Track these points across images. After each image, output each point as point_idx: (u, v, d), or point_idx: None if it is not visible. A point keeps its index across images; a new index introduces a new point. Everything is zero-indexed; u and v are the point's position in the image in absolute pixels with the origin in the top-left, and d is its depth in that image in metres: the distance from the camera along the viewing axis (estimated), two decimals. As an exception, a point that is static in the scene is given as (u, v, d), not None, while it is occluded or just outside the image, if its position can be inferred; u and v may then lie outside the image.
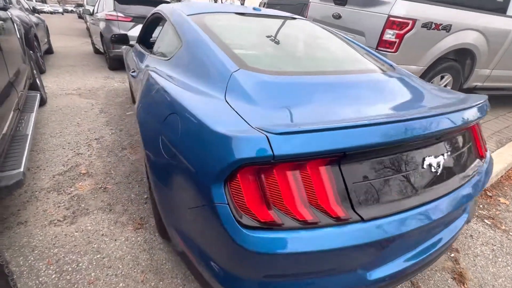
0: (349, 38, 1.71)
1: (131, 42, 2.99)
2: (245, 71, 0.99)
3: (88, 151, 2.30)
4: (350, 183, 0.71)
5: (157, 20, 2.19)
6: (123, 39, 2.42)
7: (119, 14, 4.74)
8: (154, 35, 2.62)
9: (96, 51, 6.82)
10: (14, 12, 3.99)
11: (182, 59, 1.22)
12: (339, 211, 0.69)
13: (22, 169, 1.38)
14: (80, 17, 20.95)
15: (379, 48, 2.55)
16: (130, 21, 4.81)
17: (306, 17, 3.78)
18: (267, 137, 0.64)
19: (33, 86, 2.86)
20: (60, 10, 29.26)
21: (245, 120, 0.75)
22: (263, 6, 6.02)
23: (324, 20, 3.28)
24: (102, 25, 5.01)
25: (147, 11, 5.00)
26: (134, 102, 3.46)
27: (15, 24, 2.54)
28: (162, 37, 1.69)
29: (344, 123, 0.68)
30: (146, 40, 2.55)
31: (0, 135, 1.45)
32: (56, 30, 11.40)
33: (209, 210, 0.70)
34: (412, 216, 0.77)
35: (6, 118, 1.65)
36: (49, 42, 6.24)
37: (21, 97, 2.00)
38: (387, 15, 2.42)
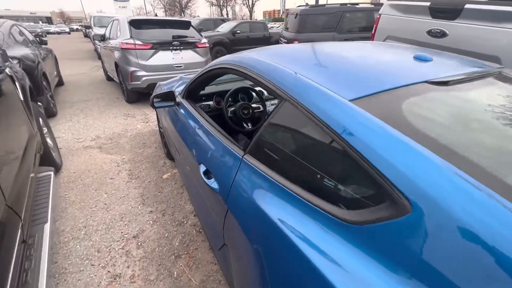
0: None
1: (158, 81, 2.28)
2: None
3: (128, 267, 1.57)
4: None
5: (221, 73, 1.44)
6: (169, 98, 1.70)
7: (137, 42, 4.07)
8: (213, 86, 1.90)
9: (109, 78, 6.22)
10: (18, 52, 3.37)
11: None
12: None
13: None
14: (86, 36, 20.81)
15: (532, 81, 1.75)
16: (149, 49, 4.14)
17: (373, 33, 3.00)
18: None
19: (45, 158, 2.17)
20: (67, 30, 29.48)
21: None
22: (295, 18, 5.27)
23: (411, 38, 2.50)
24: (117, 54, 4.36)
25: (167, 35, 4.33)
26: (169, 157, 2.74)
27: (16, 84, 1.85)
28: (283, 140, 0.89)
29: None
30: (198, 95, 1.83)
31: None
32: (65, 54, 10.98)
33: None
34: None
35: (7, 274, 0.95)
36: (58, 73, 5.66)
37: (27, 221, 1.28)
38: (554, 35, 1.63)
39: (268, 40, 9.87)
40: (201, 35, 4.79)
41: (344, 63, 0.97)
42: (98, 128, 3.62)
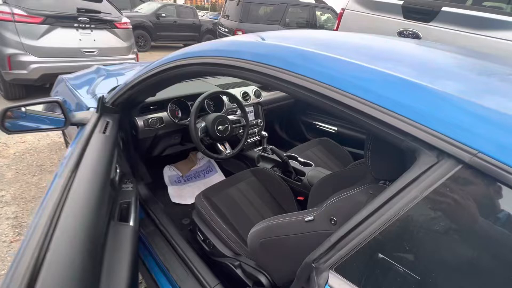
0: None
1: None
2: None
3: None
4: None
5: (188, 73, 0.80)
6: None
7: (17, 11, 2.75)
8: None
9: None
10: None
11: None
12: None
13: None
14: None
15: None
16: (40, 23, 2.87)
17: (335, 30, 2.77)
18: None
19: None
20: None
21: None
22: (237, 5, 4.71)
23: (381, 38, 2.33)
24: (-20, 27, 2.88)
25: (68, 6, 3.14)
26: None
27: None
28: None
29: None
30: (140, 105, 1.11)
31: None
32: None
33: None
34: None
35: None
36: None
37: None
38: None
39: (198, 28, 8.97)
40: (121, 12, 3.70)
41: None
42: None
